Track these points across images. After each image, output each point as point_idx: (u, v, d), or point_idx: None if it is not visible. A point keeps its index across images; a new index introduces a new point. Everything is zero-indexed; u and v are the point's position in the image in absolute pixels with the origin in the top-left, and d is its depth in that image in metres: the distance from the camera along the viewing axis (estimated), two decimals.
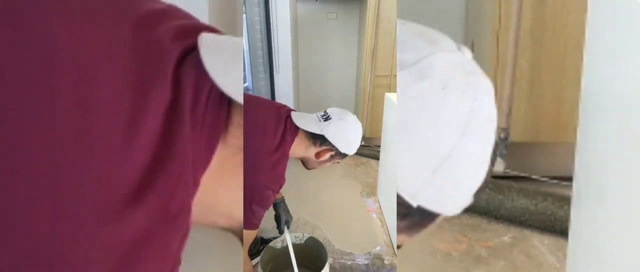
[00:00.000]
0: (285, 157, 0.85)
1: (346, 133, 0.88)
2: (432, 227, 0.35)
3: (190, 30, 0.27)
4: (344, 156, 0.93)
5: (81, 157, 0.21)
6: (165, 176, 0.24)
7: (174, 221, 0.25)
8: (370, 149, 2.68)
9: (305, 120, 0.88)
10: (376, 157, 2.48)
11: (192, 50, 0.26)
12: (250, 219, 0.82)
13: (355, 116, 0.93)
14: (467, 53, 0.35)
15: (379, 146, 2.01)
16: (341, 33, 3.04)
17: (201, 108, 0.26)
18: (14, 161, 0.20)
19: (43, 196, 0.20)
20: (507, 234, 1.25)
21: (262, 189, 0.80)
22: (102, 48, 0.23)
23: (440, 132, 0.30)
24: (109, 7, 0.25)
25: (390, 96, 1.71)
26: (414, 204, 0.32)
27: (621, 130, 0.50)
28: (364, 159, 2.65)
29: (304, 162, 0.98)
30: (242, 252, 0.94)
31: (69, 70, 0.22)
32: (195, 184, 0.27)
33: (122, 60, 0.24)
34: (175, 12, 0.29)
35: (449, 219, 1.30)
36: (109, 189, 0.22)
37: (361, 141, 2.92)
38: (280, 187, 0.86)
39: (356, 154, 2.72)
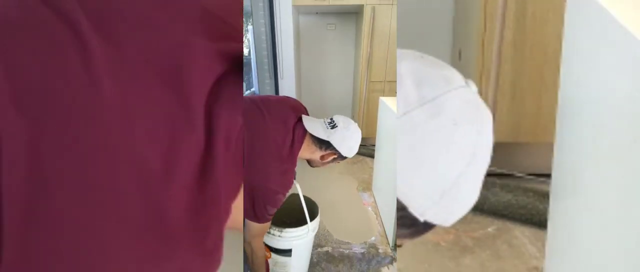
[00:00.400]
0: (293, 164, 0.88)
1: (349, 141, 0.91)
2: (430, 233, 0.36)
3: (222, 54, 0.24)
4: (344, 158, 0.96)
5: (119, 204, 0.20)
6: (201, 216, 0.23)
7: (211, 255, 0.24)
8: (366, 148, 2.67)
9: (314, 126, 0.90)
10: (371, 156, 2.48)
11: (220, 82, 0.23)
12: (265, 215, 0.86)
13: (356, 124, 0.95)
14: (473, 86, 0.35)
15: (374, 145, 2.01)
16: (339, 42, 3.04)
17: (232, 147, 0.24)
18: (59, 209, 0.19)
19: (85, 243, 0.19)
20: (491, 226, 1.25)
21: (273, 194, 0.84)
22: (142, 101, 0.21)
23: (451, 161, 0.31)
24: (148, 62, 0.22)
25: (385, 100, 1.71)
26: (422, 219, 0.33)
27: (595, 132, 0.49)
28: (360, 157, 2.65)
29: (309, 162, 1.02)
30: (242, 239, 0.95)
31: (113, 120, 0.20)
32: (227, 213, 0.25)
33: (158, 110, 0.22)
34: (204, 32, 0.24)
35: None
36: (148, 233, 0.21)
37: None
38: (289, 189, 0.89)
39: None
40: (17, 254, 0.19)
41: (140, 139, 0.21)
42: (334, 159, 0.94)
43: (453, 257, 1.13)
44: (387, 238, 1.61)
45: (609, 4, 0.46)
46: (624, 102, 0.43)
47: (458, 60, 1.70)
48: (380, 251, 1.55)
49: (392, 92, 2.59)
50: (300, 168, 1.12)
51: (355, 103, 2.90)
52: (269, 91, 2.65)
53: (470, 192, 0.34)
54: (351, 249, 1.55)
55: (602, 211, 0.48)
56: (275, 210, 0.87)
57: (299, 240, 1.07)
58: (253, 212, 0.84)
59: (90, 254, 0.20)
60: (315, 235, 1.62)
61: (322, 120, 0.93)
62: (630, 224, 0.43)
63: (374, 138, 2.00)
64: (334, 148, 0.90)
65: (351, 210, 1.89)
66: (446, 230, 1.23)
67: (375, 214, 1.84)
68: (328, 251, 1.55)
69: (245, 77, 2.68)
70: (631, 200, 0.42)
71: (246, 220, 0.88)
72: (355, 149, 0.94)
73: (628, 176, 0.43)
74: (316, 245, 1.58)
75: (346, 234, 1.66)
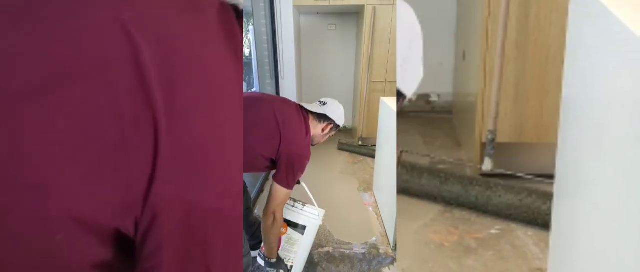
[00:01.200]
0: (310, 136, 1.18)
1: (338, 112, 1.23)
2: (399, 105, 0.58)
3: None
4: (337, 127, 1.25)
5: (220, 96, 0.29)
6: None
7: None
8: (366, 149, 2.67)
9: (312, 106, 1.22)
10: (372, 156, 2.48)
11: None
12: (294, 181, 1.10)
13: (337, 101, 1.26)
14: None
15: (375, 146, 2.01)
16: (340, 43, 3.04)
17: None
18: (185, 102, 0.27)
19: (206, 128, 0.28)
20: (494, 227, 1.24)
21: (304, 160, 1.11)
22: (214, 33, 0.30)
23: (401, 43, 0.51)
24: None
25: (385, 100, 1.71)
26: (397, 86, 0.52)
27: (597, 132, 0.50)
28: (361, 158, 2.65)
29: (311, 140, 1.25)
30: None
31: (197, 43, 0.28)
32: None
33: (231, 56, 0.30)
34: None
35: (442, 214, 1.27)
36: (237, 148, 0.30)
37: (358, 141, 2.91)
38: (310, 156, 1.18)
39: (354, 152, 2.72)
40: (168, 144, 0.26)
41: (223, 56, 0.29)
42: (331, 129, 1.24)
43: (456, 258, 1.12)
44: (388, 238, 1.61)
45: (612, 4, 0.46)
46: (627, 102, 0.43)
47: (462, 60, 1.70)
48: (381, 251, 1.55)
49: (393, 93, 2.59)
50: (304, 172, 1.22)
51: (356, 103, 2.90)
52: (270, 92, 2.65)
53: (417, 67, 0.53)
54: (352, 250, 1.55)
55: (606, 210, 0.49)
56: (301, 175, 1.13)
57: (313, 219, 1.27)
58: (286, 180, 1.08)
59: (209, 134, 0.28)
60: (317, 235, 1.63)
61: (314, 103, 1.25)
62: (634, 223, 0.43)
63: (375, 138, 2.00)
64: (329, 119, 1.20)
65: (352, 210, 1.89)
66: (450, 231, 1.22)
67: (376, 214, 1.84)
68: (329, 251, 1.55)
69: (246, 78, 2.68)
70: (634, 199, 0.43)
71: (275, 190, 1.09)
72: (343, 119, 1.25)
73: (631, 176, 0.43)
74: (317, 245, 1.58)
75: (347, 235, 1.66)
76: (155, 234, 0.27)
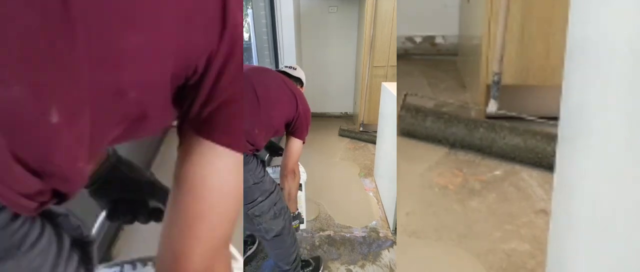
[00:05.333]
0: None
1: (304, 75, 1.45)
2: None
3: None
4: (302, 87, 1.48)
5: None
6: None
7: None
8: (368, 135, 2.73)
9: (289, 71, 1.42)
10: (373, 142, 2.54)
11: None
12: (306, 134, 1.27)
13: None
14: None
15: (376, 132, 2.07)
16: (341, 26, 3.05)
17: None
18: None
19: None
20: (498, 169, 1.25)
21: (310, 115, 1.28)
22: None
23: None
24: None
25: (387, 85, 1.75)
26: None
27: (602, 74, 0.51)
28: (362, 144, 2.71)
29: None
30: None
31: None
32: None
33: None
34: None
35: (446, 156, 1.34)
36: None
37: (359, 127, 2.93)
38: None
39: (355, 138, 2.78)
40: None
41: None
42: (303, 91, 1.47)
43: (460, 200, 1.14)
44: (387, 222, 1.69)
45: None
46: (633, 42, 0.44)
47: (467, 1, 1.71)
48: (381, 234, 1.63)
49: (395, 78, 2.62)
50: (302, 157, 1.32)
51: (357, 88, 2.94)
52: None
53: None
54: (353, 233, 1.63)
55: (610, 152, 0.50)
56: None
57: (304, 178, 1.55)
58: (303, 134, 1.25)
59: None
60: (317, 219, 1.72)
61: (288, 68, 1.45)
62: (638, 164, 0.45)
63: (376, 124, 2.06)
64: (301, 82, 1.42)
65: (353, 195, 1.97)
66: (454, 173, 1.24)
67: (377, 199, 1.91)
68: (330, 234, 1.63)
69: (245, 63, 2.71)
70: (638, 142, 0.45)
71: (295, 145, 1.24)
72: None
73: (636, 117, 0.45)
74: (318, 229, 1.66)
75: (348, 219, 1.74)
76: (236, 61, 0.33)
